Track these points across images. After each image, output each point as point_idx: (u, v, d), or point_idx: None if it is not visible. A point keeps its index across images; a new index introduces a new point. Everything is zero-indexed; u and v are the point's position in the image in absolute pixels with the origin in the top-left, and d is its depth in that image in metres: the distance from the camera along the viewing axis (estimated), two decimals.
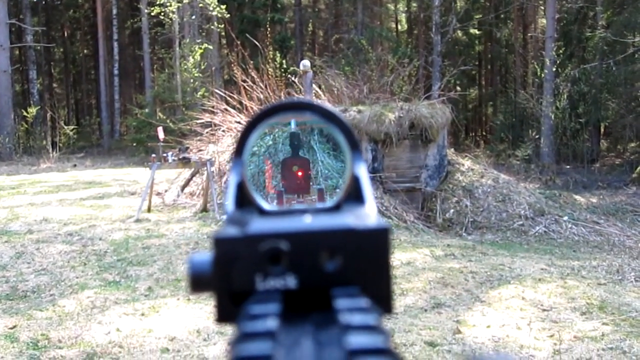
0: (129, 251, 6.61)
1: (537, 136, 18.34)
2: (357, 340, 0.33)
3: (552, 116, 17.52)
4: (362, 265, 0.40)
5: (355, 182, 0.49)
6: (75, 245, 6.86)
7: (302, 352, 0.34)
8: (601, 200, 12.22)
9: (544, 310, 4.86)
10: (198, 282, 0.42)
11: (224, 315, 0.40)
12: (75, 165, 18.54)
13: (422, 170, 9.92)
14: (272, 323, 0.35)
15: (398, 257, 6.52)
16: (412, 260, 6.45)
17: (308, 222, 0.41)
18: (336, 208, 0.47)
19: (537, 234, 9.07)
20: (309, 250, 0.39)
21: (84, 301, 4.96)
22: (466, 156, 11.52)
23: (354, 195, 0.49)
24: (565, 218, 9.53)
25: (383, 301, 0.40)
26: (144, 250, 6.61)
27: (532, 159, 17.43)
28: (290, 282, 0.39)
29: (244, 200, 0.49)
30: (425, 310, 4.83)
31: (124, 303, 4.91)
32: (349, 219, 0.42)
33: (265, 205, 0.48)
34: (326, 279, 0.39)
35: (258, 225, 0.41)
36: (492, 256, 6.98)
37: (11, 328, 4.35)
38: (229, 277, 0.40)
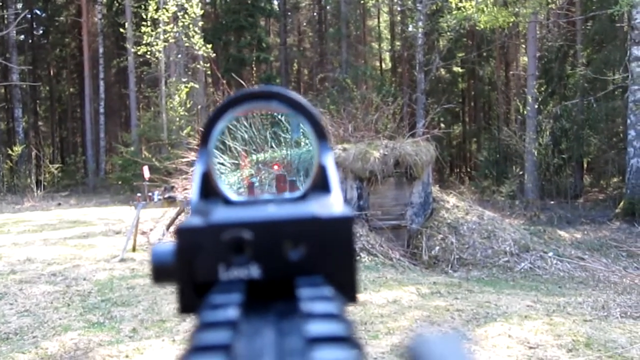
0: (114, 291, 6.55)
1: (520, 172, 18.51)
2: (317, 328, 0.32)
3: (535, 152, 17.72)
4: (326, 253, 0.40)
5: (322, 172, 0.49)
6: (59, 285, 6.79)
7: (262, 341, 0.34)
8: (585, 235, 12.30)
9: (530, 347, 4.86)
10: (161, 272, 0.42)
11: (187, 306, 0.40)
12: (59, 204, 18.41)
13: (408, 208, 9.96)
14: (233, 312, 0.34)
15: (384, 296, 6.50)
16: (398, 299, 6.44)
17: (272, 211, 0.41)
18: (302, 198, 0.47)
19: (522, 270, 9.09)
20: (273, 240, 0.39)
21: (68, 343, 4.90)
22: (451, 193, 11.59)
23: (321, 185, 0.48)
24: (550, 254, 9.56)
25: (347, 290, 0.40)
26: (128, 291, 6.56)
27: (517, 195, 17.55)
28: (254, 271, 0.39)
29: (209, 190, 0.49)
30: None
31: (107, 345, 4.85)
32: (313, 207, 0.42)
33: (232, 196, 0.48)
34: (290, 268, 0.39)
35: (221, 214, 0.41)
36: (478, 293, 6.98)
37: None
38: (192, 267, 0.39)
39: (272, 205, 0.43)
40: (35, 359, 4.55)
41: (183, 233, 0.40)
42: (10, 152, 22.49)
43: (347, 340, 0.32)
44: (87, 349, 4.77)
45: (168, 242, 0.42)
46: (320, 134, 0.50)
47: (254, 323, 0.36)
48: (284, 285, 0.39)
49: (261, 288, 0.39)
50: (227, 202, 0.47)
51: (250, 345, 0.33)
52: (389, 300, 6.35)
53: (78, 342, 4.92)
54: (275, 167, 9.04)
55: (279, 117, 12.38)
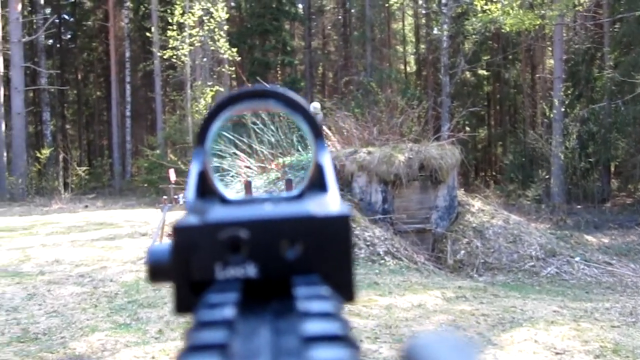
0: (140, 293, 6.61)
1: (547, 176, 18.35)
2: (313, 327, 0.32)
3: (562, 156, 17.54)
4: (323, 252, 0.39)
5: (319, 171, 0.48)
6: (86, 287, 6.87)
7: (259, 340, 0.34)
8: (613, 240, 12.15)
9: (557, 353, 4.82)
10: (157, 271, 0.42)
11: (184, 305, 0.40)
12: (86, 206, 18.63)
13: (433, 212, 9.92)
14: (229, 312, 0.34)
15: (409, 299, 6.49)
16: (423, 303, 6.42)
17: (268, 210, 0.41)
18: (299, 197, 0.47)
19: (548, 275, 9.01)
20: (269, 239, 0.39)
21: (95, 344, 4.95)
22: (476, 197, 11.52)
23: (318, 184, 0.48)
24: (577, 259, 9.47)
25: (344, 289, 0.40)
26: (154, 292, 6.61)
27: (543, 199, 17.38)
28: (250, 270, 0.39)
29: (206, 189, 0.48)
30: None
31: (134, 346, 4.90)
32: (310, 206, 0.41)
33: (228, 194, 0.48)
34: (287, 267, 0.39)
35: (218, 213, 0.41)
36: (503, 298, 6.93)
37: None
38: (188, 266, 0.39)
39: (268, 204, 0.43)
40: (64, 359, 4.60)
41: (179, 232, 0.40)
42: (38, 154, 22.81)
43: (343, 339, 0.32)
44: (114, 349, 4.82)
45: (166, 242, 0.41)
46: (317, 133, 0.49)
47: (251, 322, 0.36)
48: (281, 284, 0.39)
49: (257, 287, 0.39)
50: (224, 201, 0.47)
51: (246, 345, 0.33)
52: (413, 304, 6.33)
53: (105, 343, 4.97)
54: (274, 166, 9.05)
55: None
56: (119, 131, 28.77)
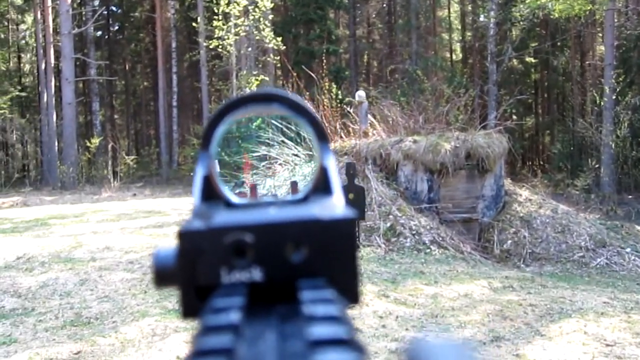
0: None
1: (596, 165, 17.96)
2: (318, 330, 0.32)
3: (613, 145, 17.16)
4: (328, 256, 0.39)
5: (324, 174, 0.48)
6: (136, 273, 7.01)
7: (265, 344, 0.34)
8: None
9: (607, 345, 4.74)
10: (162, 276, 0.42)
11: (190, 310, 0.40)
12: (135, 195, 18.97)
13: (479, 201, 9.82)
14: (235, 316, 0.34)
15: (455, 289, 6.45)
16: (470, 292, 6.37)
17: (273, 214, 0.41)
18: (304, 200, 0.47)
19: (598, 266, 8.84)
20: (274, 242, 0.39)
21: (145, 329, 5.06)
22: (523, 186, 11.36)
23: (323, 187, 0.48)
24: (628, 250, 9.26)
25: (349, 292, 0.40)
26: None
27: (592, 189, 17.04)
28: (256, 274, 0.39)
29: (211, 193, 0.48)
30: (484, 344, 4.76)
31: (183, 331, 4.99)
32: (315, 209, 0.41)
33: (233, 198, 0.48)
34: (292, 270, 0.39)
35: (223, 217, 0.41)
36: (551, 288, 6.83)
37: (76, 354, 4.47)
38: (194, 270, 0.39)
39: (273, 207, 0.43)
40: (115, 343, 4.72)
41: (185, 236, 0.40)
42: (88, 144, 23.31)
43: (348, 342, 0.32)
44: (163, 334, 4.92)
45: (171, 246, 0.42)
46: (321, 136, 0.50)
47: (256, 326, 0.36)
48: (286, 288, 0.39)
49: (263, 291, 0.39)
50: (229, 204, 0.47)
51: (252, 349, 0.33)
52: (460, 293, 6.29)
53: (155, 328, 5.07)
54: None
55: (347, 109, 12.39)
56: (166, 121, 29.17)
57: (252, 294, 0.39)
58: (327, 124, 11.09)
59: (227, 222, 0.40)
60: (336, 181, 0.48)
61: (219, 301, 0.36)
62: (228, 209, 0.46)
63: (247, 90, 17.99)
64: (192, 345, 0.33)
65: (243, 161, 8.78)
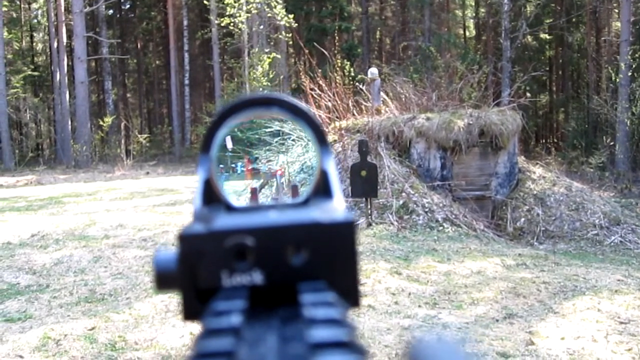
0: None
1: (611, 143, 17.81)
2: (319, 333, 0.32)
3: (628, 122, 16.98)
4: (329, 259, 0.39)
5: (324, 177, 0.49)
6: (149, 250, 7.05)
7: (265, 347, 0.34)
8: None
9: (621, 322, 4.72)
10: (163, 279, 0.42)
11: (191, 313, 0.40)
12: (148, 173, 19.06)
13: (492, 178, 9.77)
14: (236, 319, 0.34)
15: (468, 266, 6.44)
16: (483, 270, 6.36)
17: (273, 217, 0.41)
18: (304, 203, 0.47)
19: (612, 244, 8.80)
20: (275, 245, 0.39)
21: (159, 305, 5.09)
22: (537, 164, 11.29)
23: (323, 190, 0.48)
24: None
25: (350, 295, 0.40)
26: None
27: (607, 167, 16.91)
28: (257, 277, 0.39)
29: (212, 196, 0.49)
30: (497, 321, 4.75)
31: None
32: (315, 212, 0.42)
33: (234, 202, 0.48)
34: (293, 273, 0.39)
35: (223, 221, 0.41)
36: (565, 266, 6.81)
37: (90, 329, 4.51)
38: (195, 274, 0.39)
39: (274, 210, 0.43)
40: (129, 319, 4.76)
41: (185, 240, 0.40)
42: (101, 122, 23.41)
43: (349, 345, 0.32)
44: (177, 311, 4.95)
45: (171, 249, 0.42)
46: (322, 139, 0.50)
47: (257, 329, 0.36)
48: (287, 291, 0.39)
49: (264, 294, 0.39)
50: (230, 208, 0.47)
51: (253, 352, 0.33)
52: (473, 270, 6.28)
53: (168, 304, 5.11)
54: (279, 172, 9.11)
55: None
56: (178, 99, 29.20)
57: (253, 297, 0.39)
58: (339, 102, 11.05)
59: (227, 226, 0.40)
60: (336, 184, 0.48)
61: (220, 304, 0.37)
62: (229, 212, 0.46)
63: (260, 69, 17.93)
64: (193, 348, 0.33)
65: (243, 169, 8.80)
